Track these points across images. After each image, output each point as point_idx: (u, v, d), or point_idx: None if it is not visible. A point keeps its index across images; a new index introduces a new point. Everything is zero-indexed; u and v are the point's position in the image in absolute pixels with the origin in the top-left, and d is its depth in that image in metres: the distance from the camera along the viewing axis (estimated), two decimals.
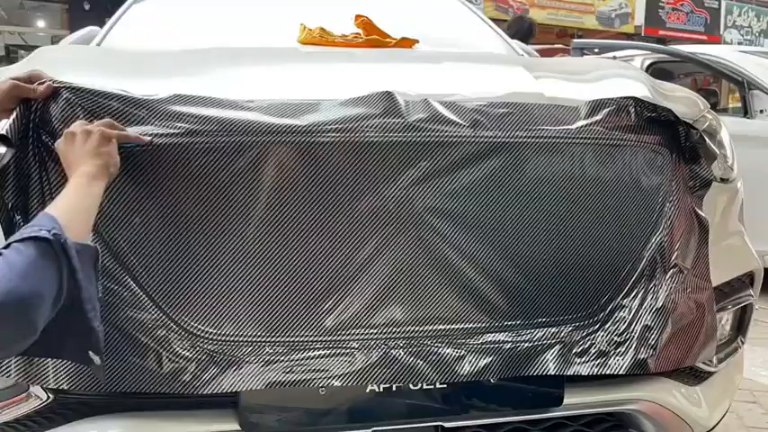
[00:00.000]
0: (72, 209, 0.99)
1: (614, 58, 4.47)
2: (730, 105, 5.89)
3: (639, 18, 12.37)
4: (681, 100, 1.56)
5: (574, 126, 1.30)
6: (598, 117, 1.33)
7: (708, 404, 1.51)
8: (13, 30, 9.58)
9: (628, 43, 5.73)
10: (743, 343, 1.65)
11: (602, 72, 1.61)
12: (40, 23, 9.78)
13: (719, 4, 13.14)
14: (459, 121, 1.23)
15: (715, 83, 6.23)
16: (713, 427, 1.54)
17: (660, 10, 12.60)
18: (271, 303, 1.17)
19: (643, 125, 1.36)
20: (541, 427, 1.36)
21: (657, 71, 4.74)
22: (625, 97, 1.35)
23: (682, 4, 12.74)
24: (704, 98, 4.61)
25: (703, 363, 1.50)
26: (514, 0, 10.88)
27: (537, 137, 1.28)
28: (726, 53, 4.35)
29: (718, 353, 1.58)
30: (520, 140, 1.26)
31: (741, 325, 1.65)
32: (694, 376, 1.52)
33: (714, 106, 4.79)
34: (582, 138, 1.31)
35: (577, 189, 1.31)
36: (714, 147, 1.43)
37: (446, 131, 1.22)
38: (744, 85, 4.02)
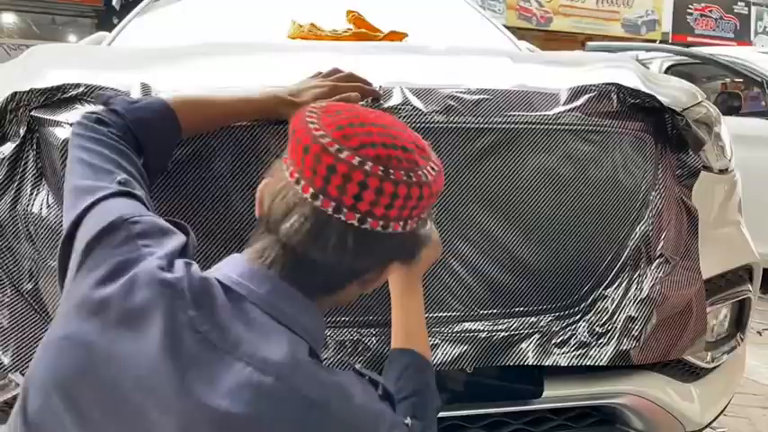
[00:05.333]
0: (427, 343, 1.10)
1: (637, 58, 4.42)
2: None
3: (667, 25, 12.20)
4: (671, 89, 1.53)
5: (553, 112, 1.28)
6: (579, 103, 1.30)
7: (701, 401, 1.46)
8: (45, 44, 9.86)
9: (643, 45, 5.65)
10: (742, 340, 1.60)
11: (592, 63, 1.58)
12: (72, 38, 10.06)
13: (749, 10, 12.90)
14: (431, 107, 1.22)
15: (746, 88, 6.11)
16: (708, 425, 1.50)
17: (688, 16, 12.41)
18: None
19: (626, 112, 1.33)
20: (523, 421, 1.34)
21: (677, 74, 4.66)
22: (607, 83, 1.33)
23: (710, 11, 12.53)
24: (726, 101, 4.53)
25: (696, 358, 1.46)
26: (538, 8, 10.84)
27: (514, 122, 1.26)
28: (746, 54, 4.26)
29: (715, 349, 1.53)
30: (496, 126, 1.25)
31: (740, 321, 1.59)
32: (688, 372, 1.47)
33: (738, 109, 4.69)
34: (562, 124, 1.29)
35: (557, 176, 1.29)
36: (701, 134, 1.39)
37: (419, 118, 1.21)
38: (764, 87, 3.93)
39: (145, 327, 0.72)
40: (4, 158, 1.18)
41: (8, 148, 1.18)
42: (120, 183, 0.89)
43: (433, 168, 0.80)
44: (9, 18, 10.05)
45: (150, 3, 2.71)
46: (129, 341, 0.72)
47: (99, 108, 1.04)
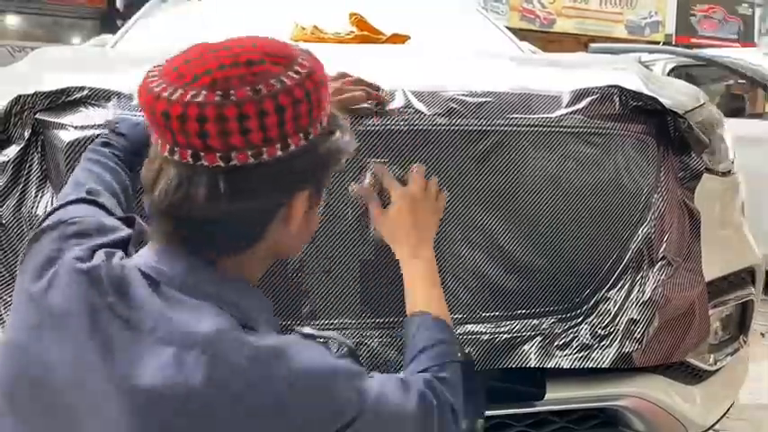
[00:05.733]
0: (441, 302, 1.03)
1: (640, 60, 4.41)
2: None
3: (670, 26, 12.18)
4: (674, 91, 1.53)
5: (555, 114, 1.29)
6: (581, 106, 1.31)
7: (704, 404, 1.46)
8: (49, 46, 9.90)
9: (647, 47, 5.65)
10: (745, 342, 1.60)
11: (594, 65, 1.59)
12: (75, 40, 10.09)
13: (753, 11, 12.87)
14: (434, 110, 1.23)
15: (752, 90, 6.08)
16: (710, 428, 1.49)
17: (692, 17, 12.38)
18: None
19: (628, 114, 1.33)
20: (526, 423, 1.34)
21: (680, 76, 4.65)
22: (609, 86, 1.33)
23: (714, 12, 12.50)
24: (729, 103, 4.52)
25: (699, 361, 1.46)
26: (541, 10, 10.83)
27: (516, 125, 1.26)
28: (750, 56, 4.25)
29: (718, 351, 1.53)
30: (498, 129, 1.25)
31: (742, 323, 1.59)
32: (691, 375, 1.47)
33: (742, 111, 4.68)
34: (564, 126, 1.29)
35: (559, 178, 1.29)
36: (704, 137, 1.39)
37: (421, 120, 1.22)
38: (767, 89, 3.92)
39: (67, 321, 0.71)
40: (8, 161, 1.19)
41: (13, 150, 1.19)
42: (87, 192, 0.91)
43: (296, 72, 0.70)
44: (13, 20, 10.09)
45: (153, 5, 2.72)
46: (54, 339, 0.71)
47: (107, 131, 1.09)
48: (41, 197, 1.19)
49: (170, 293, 0.72)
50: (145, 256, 0.76)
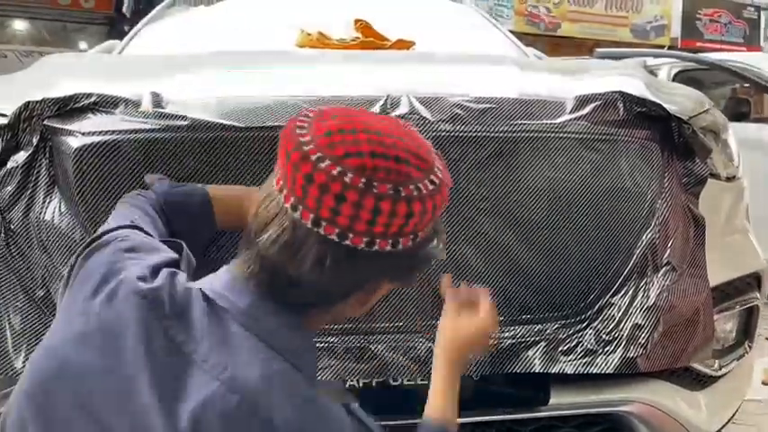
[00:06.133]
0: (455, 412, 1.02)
1: (645, 64, 4.40)
2: None
3: (676, 30, 12.16)
4: (678, 96, 1.53)
5: (559, 120, 1.29)
6: (584, 112, 1.31)
7: (709, 409, 1.46)
8: (56, 51, 9.96)
9: (652, 51, 5.64)
10: (750, 347, 1.60)
11: (598, 70, 1.59)
12: (83, 45, 10.15)
13: (759, 15, 12.83)
14: (438, 116, 1.23)
15: (757, 94, 6.06)
16: None
17: (697, 21, 12.36)
18: None
19: (632, 120, 1.34)
20: (530, 428, 1.34)
21: (685, 80, 4.64)
22: (612, 92, 1.33)
23: (719, 16, 12.48)
24: (734, 107, 4.51)
25: (704, 366, 1.46)
26: (546, 14, 10.83)
27: (520, 131, 1.27)
28: (755, 60, 4.24)
29: (723, 357, 1.53)
30: (502, 135, 1.26)
31: (747, 328, 1.59)
32: (695, 380, 1.47)
33: (747, 115, 4.67)
34: (568, 132, 1.29)
35: (563, 184, 1.29)
36: (709, 142, 1.39)
37: (426, 126, 1.22)
38: None
39: (121, 340, 0.72)
40: (17, 167, 1.20)
41: (21, 156, 1.21)
42: (131, 221, 0.92)
43: (432, 182, 0.73)
44: (21, 25, 10.15)
45: (160, 11, 2.74)
46: (99, 355, 0.72)
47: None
48: (49, 203, 1.21)
49: (232, 326, 0.73)
50: (212, 281, 0.77)
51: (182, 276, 0.78)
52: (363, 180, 0.69)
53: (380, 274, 0.77)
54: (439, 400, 1.01)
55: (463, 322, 1.04)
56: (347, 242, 0.71)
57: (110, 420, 0.70)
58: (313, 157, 0.70)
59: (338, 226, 0.70)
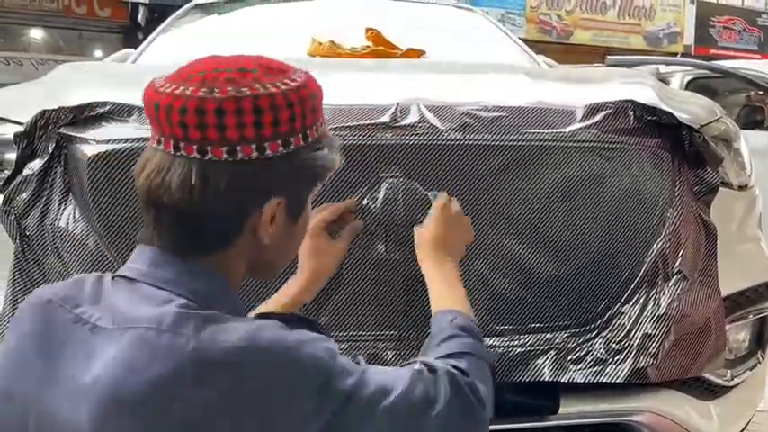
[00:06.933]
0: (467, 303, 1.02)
1: (657, 71, 4.39)
2: None
3: (689, 37, 12.12)
4: (689, 104, 1.53)
5: (569, 129, 1.29)
6: (595, 120, 1.31)
7: (721, 420, 1.44)
8: (72, 59, 10.10)
9: (664, 59, 5.61)
10: (763, 357, 1.58)
11: (609, 78, 1.59)
12: (98, 53, 10.28)
13: None
14: (448, 124, 1.24)
15: None
16: None
17: (711, 29, 12.32)
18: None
19: (643, 129, 1.33)
20: None
21: (699, 88, 4.62)
22: (623, 100, 1.33)
23: (733, 23, 12.43)
24: (749, 115, 4.47)
25: (716, 376, 1.45)
26: (558, 22, 10.84)
27: (530, 140, 1.27)
28: None
29: (735, 367, 1.52)
30: (512, 144, 1.26)
31: (760, 338, 1.58)
32: (707, 390, 1.46)
33: (761, 123, 4.64)
34: (578, 141, 1.29)
35: (573, 193, 1.29)
36: (720, 151, 1.39)
37: (436, 135, 1.23)
38: None
39: (26, 341, 0.74)
40: (33, 174, 1.22)
41: (37, 164, 1.22)
42: None
43: (287, 82, 0.72)
44: (37, 33, 10.31)
45: (174, 20, 2.77)
46: (16, 361, 0.74)
47: None
48: (64, 210, 1.22)
49: (139, 290, 0.73)
50: (128, 262, 0.78)
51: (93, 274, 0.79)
52: (204, 90, 0.70)
53: (260, 190, 0.74)
54: (445, 292, 1.01)
55: (432, 221, 1.10)
56: (209, 156, 0.70)
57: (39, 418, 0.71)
58: (158, 86, 0.72)
59: (193, 141, 0.70)
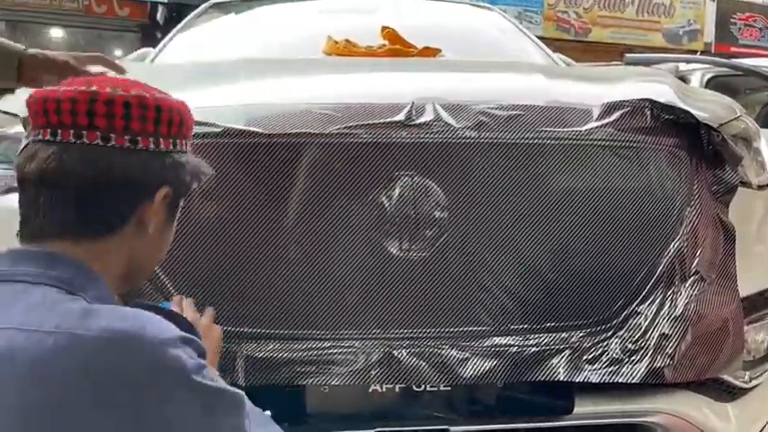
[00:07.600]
0: None
1: (677, 69, 4.34)
2: None
3: (709, 35, 11.95)
4: (708, 103, 1.51)
5: (585, 128, 1.28)
6: (612, 119, 1.30)
7: (738, 422, 1.43)
8: None
9: (683, 57, 5.54)
10: None
11: (627, 77, 1.58)
12: (117, 52, 10.38)
13: None
14: (463, 123, 1.24)
15: None
16: None
17: (732, 26, 12.14)
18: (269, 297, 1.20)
19: (660, 127, 1.32)
20: None
21: (719, 86, 4.56)
22: (640, 99, 1.32)
23: (755, 20, 12.24)
24: None
25: (733, 378, 1.43)
26: (576, 19, 10.75)
27: (546, 138, 1.27)
28: None
29: (753, 369, 1.50)
30: (528, 142, 1.26)
31: None
32: (725, 392, 1.44)
33: None
34: (594, 140, 1.29)
35: (590, 192, 1.29)
36: (739, 150, 1.37)
37: (451, 133, 1.23)
38: None
39: None
40: None
41: None
42: None
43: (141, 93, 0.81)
44: (57, 33, 10.43)
45: (192, 19, 2.79)
46: None
47: None
48: None
49: (13, 287, 0.74)
50: None
51: None
52: (109, 88, 0.79)
53: (155, 178, 0.81)
54: None
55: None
56: (83, 140, 0.77)
57: None
58: (49, 88, 0.80)
59: (67, 126, 0.77)
